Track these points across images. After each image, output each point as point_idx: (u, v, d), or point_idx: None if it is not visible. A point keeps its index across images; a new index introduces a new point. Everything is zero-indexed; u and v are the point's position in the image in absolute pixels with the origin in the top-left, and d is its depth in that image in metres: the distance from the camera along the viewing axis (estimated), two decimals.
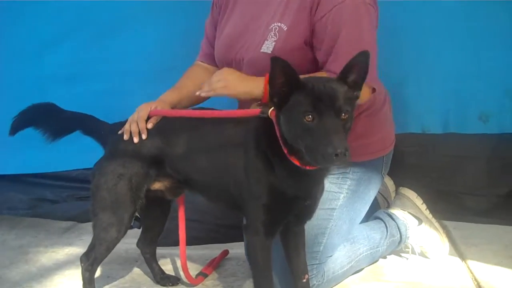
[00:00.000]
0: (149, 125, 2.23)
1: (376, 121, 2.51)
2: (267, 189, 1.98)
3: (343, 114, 1.74)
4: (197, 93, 2.28)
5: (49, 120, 2.46)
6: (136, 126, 2.24)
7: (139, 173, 2.23)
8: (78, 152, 3.36)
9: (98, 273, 2.72)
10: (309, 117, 1.73)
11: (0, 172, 3.46)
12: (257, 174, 1.99)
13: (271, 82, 1.79)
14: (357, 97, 1.84)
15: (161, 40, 3.27)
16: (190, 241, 3.05)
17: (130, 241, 3.14)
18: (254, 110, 2.02)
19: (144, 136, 2.22)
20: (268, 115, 1.91)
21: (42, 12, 3.32)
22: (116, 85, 3.31)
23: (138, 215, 3.30)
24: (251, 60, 2.37)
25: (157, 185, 2.33)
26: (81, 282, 2.37)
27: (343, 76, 1.80)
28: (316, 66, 2.28)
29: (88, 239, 3.20)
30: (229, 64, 2.49)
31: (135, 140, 2.23)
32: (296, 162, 1.88)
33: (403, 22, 2.97)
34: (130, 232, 3.27)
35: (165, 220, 2.62)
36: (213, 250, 2.96)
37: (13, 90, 3.39)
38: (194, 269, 2.74)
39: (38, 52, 3.37)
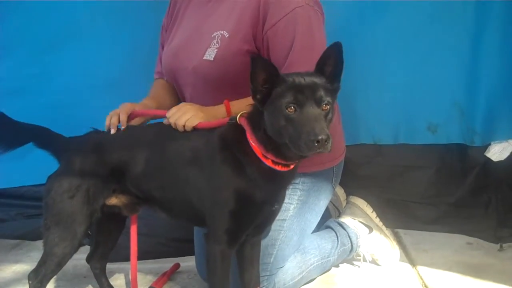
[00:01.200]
0: (133, 122, 2.25)
1: None
2: (235, 194, 1.97)
3: (324, 105, 1.80)
4: (164, 122, 2.24)
5: None
6: (117, 119, 2.22)
7: (97, 186, 2.18)
8: (26, 169, 3.29)
9: None
10: (291, 108, 1.78)
11: None
12: (224, 180, 1.98)
13: (253, 80, 1.82)
14: (337, 89, 1.89)
15: (106, 55, 3.21)
16: (140, 256, 2.99)
17: (78, 256, 3.05)
18: (223, 120, 2.08)
19: (123, 127, 2.22)
20: (237, 121, 1.96)
21: None
22: (60, 99, 3.23)
23: (89, 231, 3.26)
24: (195, 68, 2.37)
25: (113, 201, 2.28)
26: None
27: (319, 69, 1.85)
28: None
29: (36, 255, 3.12)
30: (174, 74, 2.51)
31: (112, 131, 2.21)
32: (269, 162, 1.91)
33: (351, 36, 3.01)
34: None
35: (119, 236, 2.56)
36: (164, 264, 2.92)
37: None
38: (144, 284, 2.71)
39: None
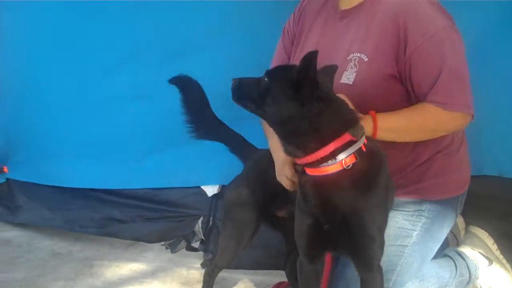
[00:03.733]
0: None
1: (454, 161, 2.44)
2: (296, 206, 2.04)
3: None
4: None
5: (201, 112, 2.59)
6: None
7: (263, 198, 2.38)
8: (147, 172, 3.40)
9: None
10: None
11: (71, 185, 3.51)
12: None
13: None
14: (302, 100, 1.82)
15: (236, 60, 3.16)
16: (253, 265, 3.08)
17: (192, 260, 3.19)
18: None
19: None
20: None
21: (112, 31, 3.34)
22: None
23: (204, 238, 3.34)
24: None
25: (281, 213, 2.45)
26: None
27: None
28: (403, 97, 2.25)
29: (151, 256, 3.28)
30: None
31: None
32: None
33: (482, 63, 2.86)
34: (192, 254, 3.33)
35: None
36: (274, 277, 2.94)
37: (79, 109, 3.46)
38: None
39: (105, 72, 3.38)
